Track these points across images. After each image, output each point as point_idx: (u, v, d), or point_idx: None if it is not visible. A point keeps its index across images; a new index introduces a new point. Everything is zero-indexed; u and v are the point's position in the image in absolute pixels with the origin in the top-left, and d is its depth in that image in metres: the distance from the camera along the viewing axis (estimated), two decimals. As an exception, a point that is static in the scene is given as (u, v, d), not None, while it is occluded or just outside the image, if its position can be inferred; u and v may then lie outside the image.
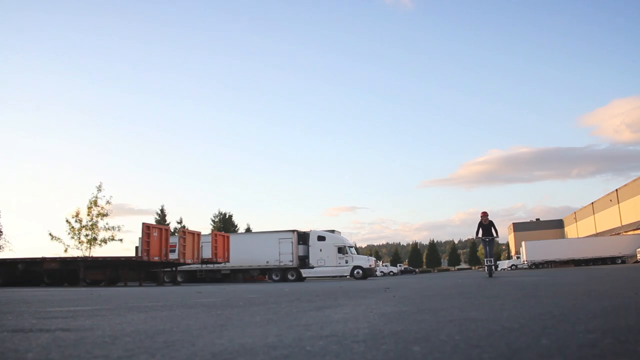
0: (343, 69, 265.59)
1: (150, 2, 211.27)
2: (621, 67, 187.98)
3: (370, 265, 29.55)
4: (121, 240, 35.65)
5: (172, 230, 45.09)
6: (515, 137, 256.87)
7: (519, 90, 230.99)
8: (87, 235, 33.56)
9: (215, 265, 27.48)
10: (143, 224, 20.86)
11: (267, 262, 30.21)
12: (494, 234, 13.84)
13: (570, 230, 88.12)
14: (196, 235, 24.74)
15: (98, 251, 33.51)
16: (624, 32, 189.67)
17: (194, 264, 24.72)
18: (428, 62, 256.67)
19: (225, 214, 66.64)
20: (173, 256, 23.22)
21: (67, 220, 33.49)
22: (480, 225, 13.93)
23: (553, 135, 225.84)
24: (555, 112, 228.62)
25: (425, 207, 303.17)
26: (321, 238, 30.14)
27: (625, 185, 61.46)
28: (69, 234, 33.31)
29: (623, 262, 49.38)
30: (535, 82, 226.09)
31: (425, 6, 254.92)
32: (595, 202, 73.78)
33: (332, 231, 31.42)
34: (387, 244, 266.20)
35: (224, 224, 64.00)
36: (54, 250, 42.47)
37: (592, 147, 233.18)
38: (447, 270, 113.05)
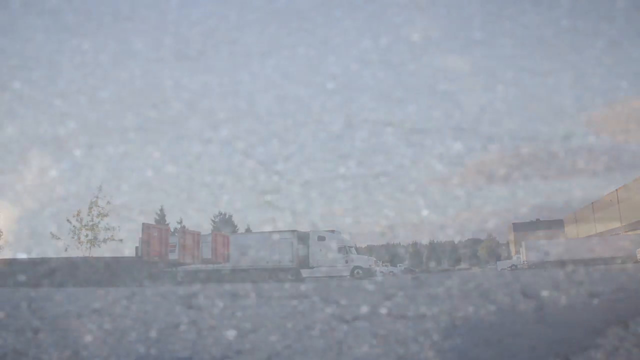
0: (346, 67, 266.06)
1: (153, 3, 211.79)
2: (624, 66, 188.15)
3: (370, 266, 29.50)
4: (121, 240, 35.57)
5: (172, 230, 45.04)
6: (517, 137, 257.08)
7: (521, 89, 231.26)
8: (87, 235, 33.52)
9: (215, 265, 27.44)
10: (143, 223, 20.78)
11: (267, 262, 30.16)
12: None
13: (570, 230, 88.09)
14: (196, 235, 24.67)
15: (98, 251, 33.49)
16: (627, 30, 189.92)
17: (193, 264, 24.67)
18: (431, 60, 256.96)
19: (225, 214, 66.64)
20: (173, 256, 23.15)
21: (68, 220, 33.45)
22: None
23: (555, 135, 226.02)
24: (557, 111, 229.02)
25: (426, 207, 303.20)
26: (321, 238, 30.07)
27: (625, 185, 61.43)
28: (69, 234, 33.29)
29: (623, 262, 49.37)
30: (537, 81, 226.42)
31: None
32: (595, 202, 73.70)
33: (332, 231, 31.35)
34: (387, 244, 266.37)
35: (224, 224, 63.98)
36: (53, 250, 42.38)
37: (594, 147, 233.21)
38: (447, 270, 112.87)
